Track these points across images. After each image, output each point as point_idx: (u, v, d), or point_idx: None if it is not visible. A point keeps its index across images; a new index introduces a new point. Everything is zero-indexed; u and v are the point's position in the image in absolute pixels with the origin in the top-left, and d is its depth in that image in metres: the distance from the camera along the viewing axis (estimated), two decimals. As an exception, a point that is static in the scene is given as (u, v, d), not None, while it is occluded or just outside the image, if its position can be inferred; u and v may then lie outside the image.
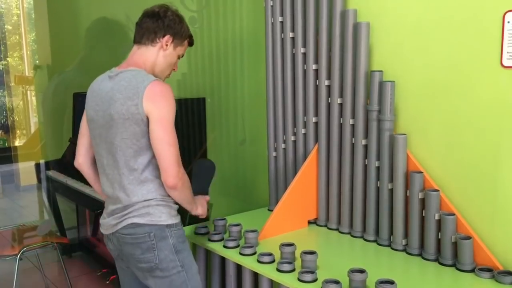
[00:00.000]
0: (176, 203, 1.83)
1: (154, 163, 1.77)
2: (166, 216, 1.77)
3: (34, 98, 5.82)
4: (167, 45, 1.83)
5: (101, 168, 1.85)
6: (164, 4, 1.87)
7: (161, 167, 1.70)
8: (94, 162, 1.91)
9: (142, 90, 1.67)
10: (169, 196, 1.80)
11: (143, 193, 1.75)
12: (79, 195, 3.32)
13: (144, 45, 1.83)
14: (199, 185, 2.06)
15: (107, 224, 1.84)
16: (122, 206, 1.78)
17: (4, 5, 6.25)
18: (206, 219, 2.16)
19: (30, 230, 3.42)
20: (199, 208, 1.96)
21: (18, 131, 6.37)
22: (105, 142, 1.77)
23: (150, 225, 1.75)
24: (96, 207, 3.14)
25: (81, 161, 1.93)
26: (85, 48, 4.28)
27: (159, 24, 1.81)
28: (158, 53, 1.83)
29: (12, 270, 2.98)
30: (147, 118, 1.69)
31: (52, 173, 3.74)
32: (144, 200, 1.75)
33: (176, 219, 1.82)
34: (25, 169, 5.49)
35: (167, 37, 1.82)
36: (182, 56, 1.94)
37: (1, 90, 6.31)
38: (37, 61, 5.31)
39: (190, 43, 1.95)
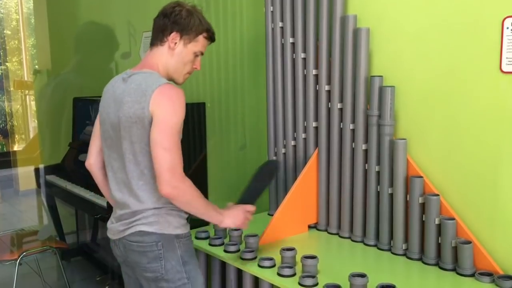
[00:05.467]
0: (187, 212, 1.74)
1: None
2: (175, 226, 1.71)
3: (33, 103, 5.82)
4: (175, 43, 1.73)
5: (111, 172, 1.78)
6: (177, 1, 1.79)
7: (155, 173, 1.60)
8: (104, 164, 1.85)
9: (150, 93, 1.61)
10: None
11: (153, 200, 1.68)
12: (79, 200, 3.32)
13: (155, 45, 1.76)
14: (249, 191, 1.90)
15: (115, 229, 1.78)
16: (130, 212, 1.71)
17: (3, 10, 6.25)
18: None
19: (29, 235, 3.41)
20: (227, 220, 1.77)
21: (17, 136, 6.36)
22: (116, 145, 1.73)
23: (158, 234, 1.69)
24: (95, 212, 3.14)
25: (92, 161, 1.87)
26: (81, 51, 4.29)
27: (165, 21, 1.73)
28: (168, 53, 1.74)
29: (11, 275, 2.97)
30: None
31: (52, 178, 3.74)
32: (154, 208, 1.69)
33: (185, 229, 1.75)
34: (24, 174, 5.48)
35: (173, 34, 1.72)
36: (202, 54, 1.81)
37: (0, 95, 6.31)
38: (36, 66, 5.31)
39: (210, 39, 1.81)
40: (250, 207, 1.84)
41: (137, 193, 1.69)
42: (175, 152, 1.60)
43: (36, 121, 5.61)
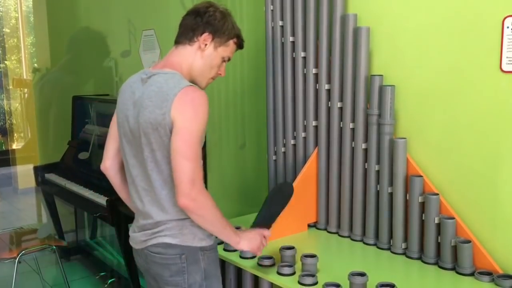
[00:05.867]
0: None
1: None
2: (200, 238, 1.62)
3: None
4: (205, 44, 1.65)
5: (130, 179, 1.69)
6: (210, 1, 1.71)
7: (174, 183, 1.52)
8: (122, 168, 1.76)
9: (172, 97, 1.50)
10: None
11: (177, 209, 1.58)
12: (78, 198, 3.32)
13: (182, 44, 1.66)
14: (265, 215, 1.82)
15: (137, 239, 1.69)
16: (153, 222, 1.62)
17: (2, 8, 6.24)
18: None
19: (28, 233, 3.41)
20: (243, 242, 1.67)
21: (16, 134, 6.36)
22: (135, 152, 1.62)
23: (183, 246, 1.60)
24: (95, 210, 3.14)
25: (108, 165, 1.76)
26: (71, 51, 4.32)
27: (197, 21, 1.64)
28: (196, 53, 1.65)
29: (10, 273, 2.97)
30: None
31: (51, 176, 3.74)
32: (178, 219, 1.60)
33: (211, 240, 1.66)
34: (23, 172, 5.48)
35: (205, 34, 1.64)
36: (229, 60, 1.74)
37: (-1, 93, 6.31)
38: (36, 64, 5.31)
39: (239, 45, 1.75)
40: (267, 232, 1.76)
41: (161, 203, 1.60)
42: (196, 162, 1.51)
43: (30, 119, 5.60)
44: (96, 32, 4.09)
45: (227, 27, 1.67)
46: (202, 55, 1.66)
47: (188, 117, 1.50)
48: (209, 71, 1.69)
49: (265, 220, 1.81)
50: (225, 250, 2.02)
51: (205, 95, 1.56)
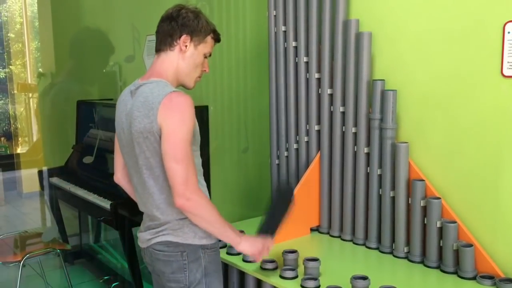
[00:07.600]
0: None
1: None
2: (200, 236, 1.67)
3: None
4: (186, 46, 1.69)
5: (133, 186, 1.78)
6: (179, 4, 1.74)
7: (170, 185, 1.59)
8: None
9: (157, 105, 1.56)
10: None
11: (176, 211, 1.64)
12: (82, 202, 3.34)
13: (163, 51, 1.71)
14: (268, 224, 1.82)
15: (143, 238, 1.76)
16: (157, 223, 1.70)
17: (7, 13, 6.29)
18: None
19: (32, 237, 3.42)
20: (244, 243, 1.71)
21: (20, 139, 6.39)
22: (132, 162, 1.70)
23: (184, 244, 1.66)
24: (98, 214, 3.16)
25: (120, 176, 1.86)
26: (74, 57, 4.34)
27: (173, 25, 1.68)
28: (178, 57, 1.70)
29: (14, 277, 2.98)
30: None
31: (55, 180, 3.76)
32: (179, 219, 1.66)
33: (211, 239, 1.70)
34: (28, 176, 5.50)
35: (183, 36, 1.68)
36: (210, 55, 1.77)
37: (4, 98, 6.34)
38: (40, 69, 5.34)
39: (216, 39, 1.78)
40: (270, 243, 1.78)
41: (161, 207, 1.66)
42: (187, 164, 1.56)
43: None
44: (100, 34, 4.13)
45: (202, 25, 1.71)
46: (184, 56, 1.70)
47: (173, 122, 1.56)
48: (194, 70, 1.73)
49: (268, 229, 1.81)
50: (228, 254, 2.04)
51: (189, 98, 1.60)
